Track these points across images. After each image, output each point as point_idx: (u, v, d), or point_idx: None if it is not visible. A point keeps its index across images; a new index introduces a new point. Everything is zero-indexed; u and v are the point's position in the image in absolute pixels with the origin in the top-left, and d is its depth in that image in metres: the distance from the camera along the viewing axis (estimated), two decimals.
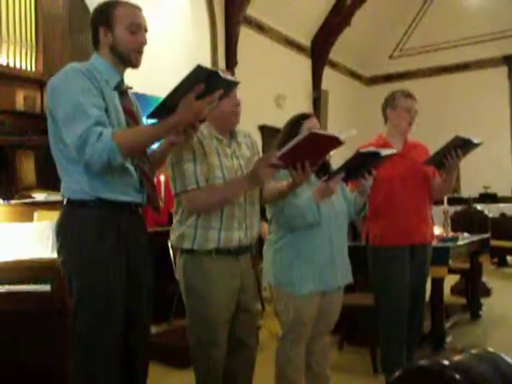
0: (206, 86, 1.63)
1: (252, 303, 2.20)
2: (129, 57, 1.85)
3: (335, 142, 1.94)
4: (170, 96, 1.65)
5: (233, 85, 1.80)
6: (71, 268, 1.79)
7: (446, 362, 0.68)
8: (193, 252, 2.04)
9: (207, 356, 2.04)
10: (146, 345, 1.96)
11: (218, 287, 2.03)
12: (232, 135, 2.15)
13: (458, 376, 0.65)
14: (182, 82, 1.61)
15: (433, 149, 2.78)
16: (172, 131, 1.75)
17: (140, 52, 1.86)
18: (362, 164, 2.24)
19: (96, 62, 1.86)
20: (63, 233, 1.82)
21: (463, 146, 2.65)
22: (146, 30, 1.87)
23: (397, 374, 0.70)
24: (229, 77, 1.72)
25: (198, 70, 1.58)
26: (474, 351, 0.74)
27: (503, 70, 10.31)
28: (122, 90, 1.89)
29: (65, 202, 1.84)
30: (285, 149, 1.88)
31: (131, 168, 1.84)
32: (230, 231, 2.04)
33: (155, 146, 1.98)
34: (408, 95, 2.92)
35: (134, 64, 1.87)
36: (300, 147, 1.87)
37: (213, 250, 2.03)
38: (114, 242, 1.79)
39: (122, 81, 1.90)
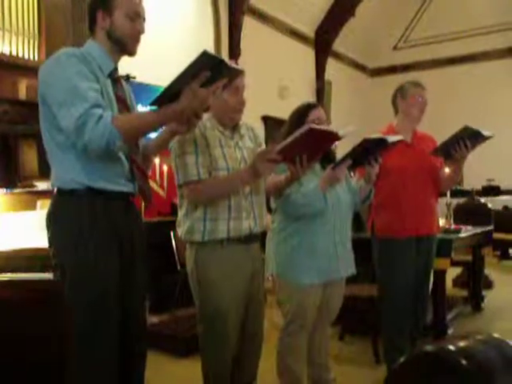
0: (210, 73, 1.60)
1: (261, 292, 2.20)
2: (126, 43, 1.81)
3: (333, 137, 1.95)
4: (174, 83, 1.62)
5: (237, 73, 1.78)
6: (64, 258, 1.77)
7: (452, 348, 0.68)
8: (203, 243, 2.04)
9: (217, 346, 2.05)
10: (143, 333, 1.93)
11: (231, 277, 2.04)
12: (234, 128, 2.16)
13: (463, 361, 0.65)
14: (187, 69, 1.58)
15: (439, 141, 2.77)
16: (174, 119, 1.72)
17: (137, 40, 1.83)
18: (368, 151, 2.24)
19: (90, 48, 1.82)
20: (54, 223, 1.79)
21: (472, 137, 2.64)
22: (144, 20, 1.84)
23: (401, 359, 0.70)
24: (234, 65, 1.70)
25: (204, 56, 1.56)
26: (479, 337, 0.74)
27: (509, 62, 10.23)
28: (115, 78, 1.86)
29: (55, 192, 1.80)
30: (283, 143, 1.89)
31: (123, 157, 1.81)
32: (239, 221, 2.05)
33: (155, 134, 1.96)
34: (417, 84, 2.93)
35: (131, 51, 1.84)
36: (298, 142, 1.88)
37: (223, 239, 2.03)
38: (106, 231, 1.76)
39: (115, 69, 1.86)
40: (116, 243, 1.79)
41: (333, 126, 2.09)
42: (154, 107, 1.69)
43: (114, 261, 1.78)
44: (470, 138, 2.63)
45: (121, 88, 1.89)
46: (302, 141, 1.87)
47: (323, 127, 1.96)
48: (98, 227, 1.75)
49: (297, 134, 1.86)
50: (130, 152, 1.84)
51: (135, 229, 1.89)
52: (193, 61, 1.57)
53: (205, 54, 1.56)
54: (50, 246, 1.81)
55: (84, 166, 1.73)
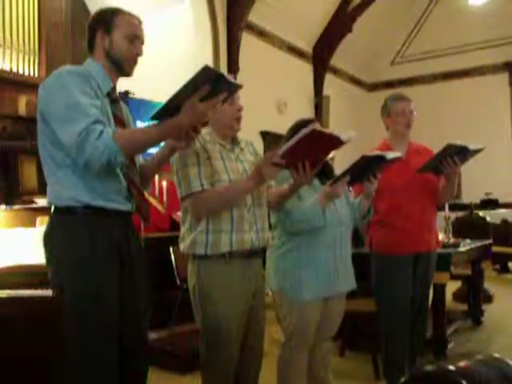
0: (210, 88, 1.62)
1: (262, 308, 2.19)
2: (122, 64, 1.83)
3: (336, 142, 1.94)
4: (174, 97, 1.63)
5: (236, 88, 1.80)
6: (63, 278, 1.74)
7: (452, 368, 0.68)
8: (206, 257, 2.03)
9: (219, 361, 2.03)
10: (144, 350, 1.91)
11: (234, 291, 2.03)
12: (234, 141, 2.16)
13: (463, 381, 0.64)
14: (188, 83, 1.60)
15: None
16: (175, 133, 1.72)
17: (134, 62, 1.85)
18: (367, 168, 2.24)
19: (89, 66, 1.83)
20: (52, 243, 1.77)
21: (460, 152, 2.61)
22: (142, 43, 1.86)
23: (402, 379, 0.70)
24: (233, 80, 1.72)
25: (205, 71, 1.58)
26: (479, 357, 0.74)
27: (504, 77, 10.32)
28: (113, 97, 1.86)
29: (52, 210, 1.79)
30: (287, 146, 1.88)
31: (121, 176, 1.81)
32: (242, 233, 2.04)
33: (154, 150, 1.96)
34: (399, 98, 2.89)
35: (127, 72, 1.86)
36: (301, 145, 1.87)
37: (226, 253, 2.02)
38: (104, 249, 1.74)
39: (113, 88, 1.87)
40: (116, 262, 1.78)
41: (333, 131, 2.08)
42: (154, 121, 1.70)
43: (114, 280, 1.76)
44: (457, 153, 2.60)
45: (119, 107, 1.90)
46: (304, 143, 1.87)
47: (326, 130, 1.97)
48: (97, 246, 1.73)
49: (300, 135, 1.86)
50: (128, 171, 1.84)
51: (134, 247, 1.88)
52: (194, 75, 1.59)
53: (206, 69, 1.58)
54: (48, 266, 1.79)
55: (82, 183, 1.72)
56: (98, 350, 1.72)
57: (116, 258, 1.78)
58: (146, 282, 1.96)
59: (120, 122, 1.86)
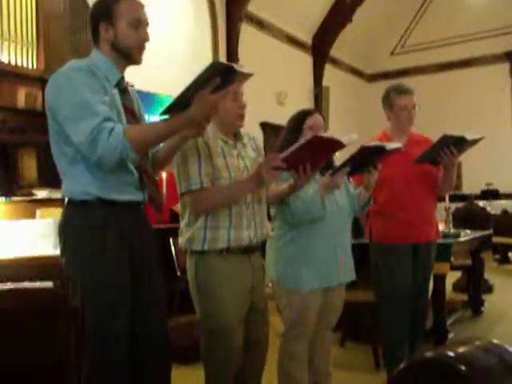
0: (220, 80, 1.62)
1: (263, 301, 2.19)
2: (131, 53, 1.81)
3: (337, 145, 1.96)
4: (184, 92, 1.63)
5: (246, 76, 1.80)
6: (75, 269, 1.78)
7: (451, 354, 0.68)
8: (203, 253, 2.03)
9: (219, 354, 2.03)
10: (161, 351, 1.88)
11: (231, 287, 2.03)
12: (237, 137, 2.15)
13: (463, 367, 0.65)
14: (198, 78, 1.60)
15: None
16: (186, 126, 1.72)
17: (142, 48, 1.83)
18: (367, 158, 2.24)
19: (96, 58, 1.81)
20: (66, 234, 1.80)
21: (457, 143, 2.59)
22: (147, 25, 1.83)
23: (402, 366, 0.70)
24: (242, 69, 1.71)
25: (215, 66, 1.58)
26: (478, 343, 0.75)
27: (505, 67, 10.29)
28: (122, 87, 1.85)
29: (66, 203, 1.82)
30: (288, 151, 1.90)
31: (131, 166, 1.82)
32: (240, 230, 2.04)
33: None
34: (402, 92, 2.83)
35: (136, 61, 1.84)
36: (303, 150, 1.89)
37: (223, 249, 2.02)
38: (116, 241, 1.77)
39: (122, 78, 1.86)
40: (127, 253, 1.80)
41: (332, 132, 2.10)
42: (164, 117, 1.70)
43: (125, 272, 1.78)
44: (454, 143, 2.58)
45: (128, 98, 1.89)
46: (306, 148, 1.89)
47: (328, 135, 1.98)
48: (109, 238, 1.75)
49: (302, 141, 1.88)
50: (140, 160, 1.83)
51: (146, 238, 1.90)
52: (202, 71, 1.59)
53: (215, 64, 1.58)
54: (62, 257, 1.83)
55: (93, 177, 1.74)
56: (108, 338, 1.72)
57: (127, 250, 1.79)
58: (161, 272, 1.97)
59: (130, 112, 1.85)
